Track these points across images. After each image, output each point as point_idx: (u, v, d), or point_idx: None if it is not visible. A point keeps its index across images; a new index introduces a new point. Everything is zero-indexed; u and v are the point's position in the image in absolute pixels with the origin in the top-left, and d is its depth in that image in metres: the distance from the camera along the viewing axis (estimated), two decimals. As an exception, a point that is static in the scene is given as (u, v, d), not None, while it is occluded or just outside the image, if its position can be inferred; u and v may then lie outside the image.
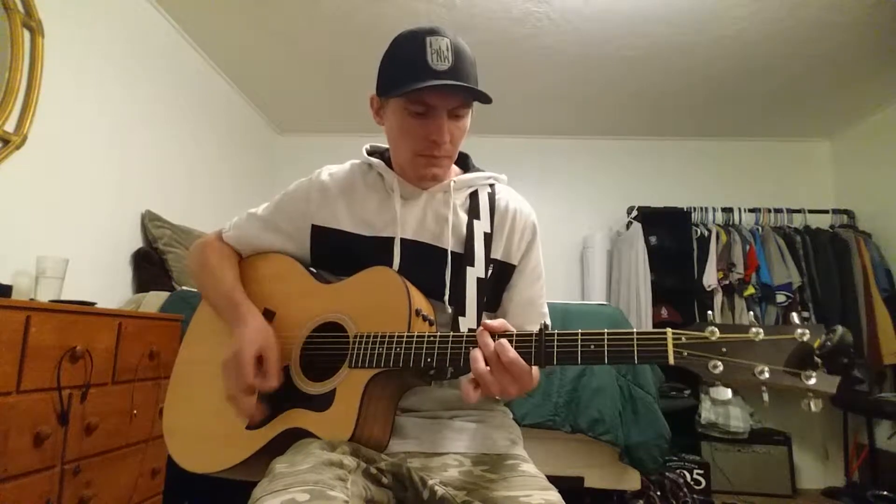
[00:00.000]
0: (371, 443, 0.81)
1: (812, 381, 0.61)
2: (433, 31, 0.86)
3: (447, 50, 0.85)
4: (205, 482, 0.93)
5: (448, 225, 0.96)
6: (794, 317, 0.68)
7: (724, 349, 0.65)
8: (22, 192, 1.97)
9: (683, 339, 0.67)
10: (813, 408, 0.62)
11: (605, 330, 0.71)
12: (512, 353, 0.72)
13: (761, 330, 0.65)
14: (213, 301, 1.01)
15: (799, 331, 0.63)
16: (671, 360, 0.67)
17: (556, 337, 0.73)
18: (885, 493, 2.85)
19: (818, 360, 0.62)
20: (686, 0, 2.57)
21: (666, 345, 0.68)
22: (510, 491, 0.75)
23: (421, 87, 0.83)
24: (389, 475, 0.79)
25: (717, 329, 0.66)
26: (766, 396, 0.65)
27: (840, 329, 0.61)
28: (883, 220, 3.58)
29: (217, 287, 0.99)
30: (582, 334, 0.72)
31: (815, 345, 0.62)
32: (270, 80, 3.53)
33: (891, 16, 2.60)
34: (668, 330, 0.68)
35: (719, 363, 0.65)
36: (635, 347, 0.69)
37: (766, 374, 0.63)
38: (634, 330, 0.70)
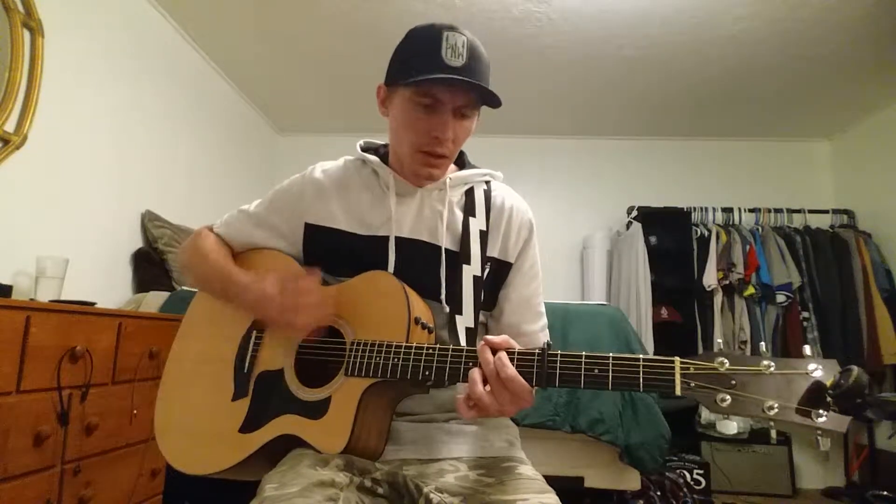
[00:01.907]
0: (366, 453, 0.80)
1: (822, 420, 0.59)
2: (451, 28, 0.86)
3: (463, 47, 0.84)
4: (204, 483, 0.93)
5: (443, 222, 0.94)
6: (807, 349, 0.66)
7: (733, 381, 0.63)
8: (22, 192, 1.97)
9: (692, 369, 0.65)
10: (822, 446, 0.60)
11: (611, 354, 0.69)
12: (510, 369, 0.70)
13: (773, 363, 0.62)
14: (205, 279, 0.99)
15: (811, 366, 0.61)
16: (678, 391, 0.64)
17: (559, 358, 0.71)
18: (885, 493, 2.84)
19: (830, 399, 0.59)
20: (686, 0, 2.58)
21: (673, 374, 0.65)
22: (507, 495, 0.74)
23: (431, 78, 0.82)
24: (385, 484, 0.78)
25: (726, 360, 0.64)
26: (773, 433, 0.63)
27: (856, 370, 0.58)
28: (883, 220, 3.58)
29: (206, 264, 0.97)
30: (586, 357, 0.70)
31: (829, 384, 0.60)
32: (270, 81, 3.53)
33: (891, 16, 2.60)
34: (677, 359, 0.66)
35: (728, 396, 0.62)
36: (641, 375, 0.67)
37: (776, 411, 0.61)
38: (641, 356, 0.68)
